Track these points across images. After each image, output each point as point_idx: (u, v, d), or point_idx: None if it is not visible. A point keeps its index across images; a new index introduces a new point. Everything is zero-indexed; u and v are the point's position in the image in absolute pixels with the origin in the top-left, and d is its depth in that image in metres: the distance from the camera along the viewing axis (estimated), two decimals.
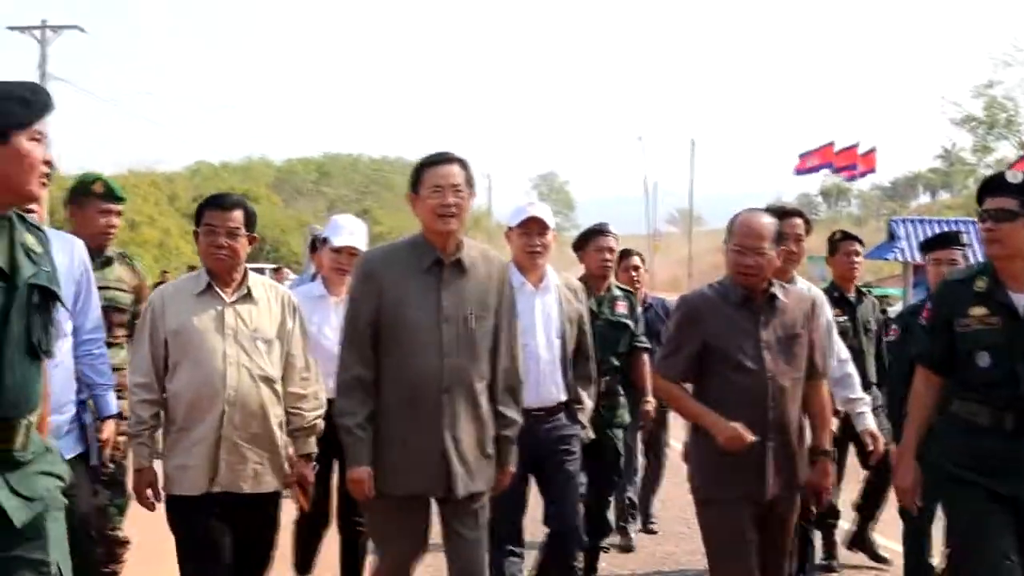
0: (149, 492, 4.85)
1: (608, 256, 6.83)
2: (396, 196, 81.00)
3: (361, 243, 5.99)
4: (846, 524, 7.72)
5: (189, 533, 4.81)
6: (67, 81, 43.71)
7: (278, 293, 5.05)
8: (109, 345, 5.29)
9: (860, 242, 7.64)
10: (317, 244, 6.79)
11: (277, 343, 4.90)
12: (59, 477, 3.31)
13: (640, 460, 8.50)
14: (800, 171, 59.57)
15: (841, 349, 6.19)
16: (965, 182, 62.00)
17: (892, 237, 30.76)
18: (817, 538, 7.07)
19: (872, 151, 55.91)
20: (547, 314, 5.65)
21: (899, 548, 7.11)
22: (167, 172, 64.12)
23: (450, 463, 4.51)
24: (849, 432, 6.54)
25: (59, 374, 4.32)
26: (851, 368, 6.21)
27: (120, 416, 5.00)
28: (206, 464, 4.71)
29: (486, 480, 4.69)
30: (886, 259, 31.58)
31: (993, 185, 4.57)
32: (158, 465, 4.88)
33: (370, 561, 6.20)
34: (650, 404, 7.26)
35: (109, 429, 4.99)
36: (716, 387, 4.77)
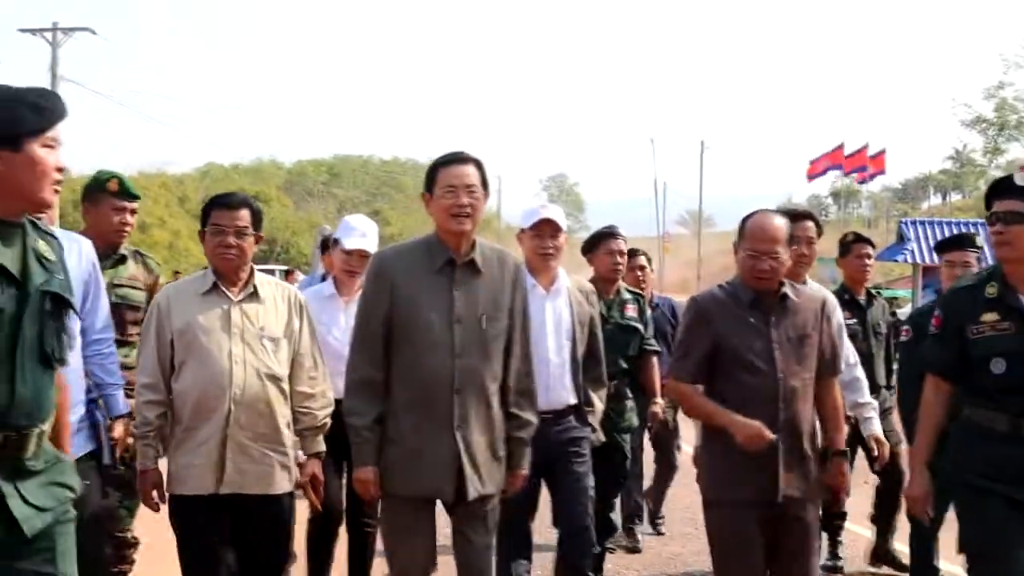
0: (154, 493, 4.85)
1: (618, 259, 6.83)
2: (407, 198, 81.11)
3: (372, 245, 5.96)
4: (852, 526, 7.73)
5: (191, 534, 4.81)
6: (78, 83, 43.89)
7: (285, 292, 5.04)
8: (123, 344, 5.31)
9: (872, 244, 7.61)
10: (328, 245, 6.78)
11: (284, 342, 4.89)
12: (70, 488, 3.30)
13: (649, 461, 8.50)
14: (812, 176, 59.59)
15: (850, 353, 6.17)
16: (976, 184, 61.95)
17: (902, 239, 30.70)
18: (823, 539, 7.06)
19: (882, 153, 55.89)
20: (558, 317, 5.62)
21: (905, 549, 7.12)
22: (177, 174, 64.35)
23: (461, 465, 4.49)
24: (857, 436, 6.53)
25: (68, 374, 4.32)
26: (859, 372, 6.20)
27: (131, 416, 5.00)
28: (213, 464, 4.71)
29: (496, 483, 4.67)
30: (896, 261, 31.52)
31: (1002, 187, 4.54)
32: (163, 466, 4.88)
33: (376, 564, 6.25)
34: (658, 406, 7.29)
35: (120, 429, 4.98)
36: (727, 388, 4.74)
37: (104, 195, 5.64)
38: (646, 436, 8.10)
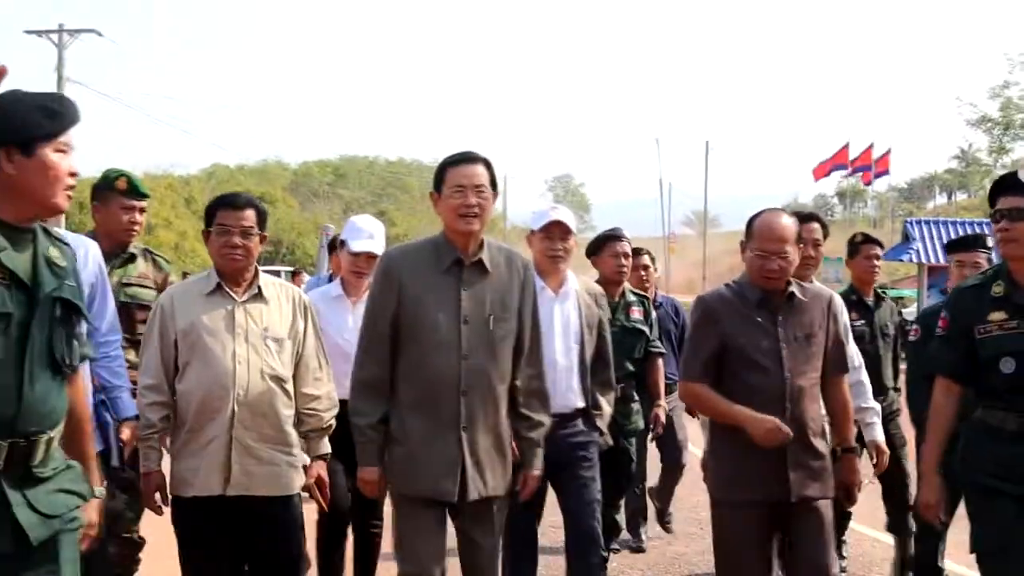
0: (157, 496, 4.82)
1: (624, 262, 6.83)
2: (412, 198, 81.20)
3: (379, 246, 5.91)
4: (856, 526, 7.74)
5: (194, 538, 4.80)
6: (84, 84, 43.95)
7: (289, 292, 5.02)
8: (133, 343, 5.29)
9: (880, 245, 7.58)
10: (336, 246, 6.76)
11: (288, 342, 4.87)
12: (79, 495, 3.28)
13: (652, 461, 8.50)
14: (819, 177, 59.65)
15: (855, 355, 6.17)
16: (981, 183, 61.80)
17: (907, 238, 30.72)
18: None
19: (887, 153, 55.86)
20: (566, 320, 5.59)
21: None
22: (183, 175, 64.45)
23: (464, 465, 4.47)
24: (861, 440, 6.53)
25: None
26: (863, 376, 6.18)
27: (138, 418, 4.95)
28: (218, 466, 4.69)
29: (502, 485, 4.64)
30: (901, 260, 31.53)
31: (1006, 184, 4.52)
32: (166, 467, 4.86)
33: (381, 567, 6.24)
34: (660, 409, 7.31)
35: (127, 432, 4.97)
36: (734, 387, 4.72)
37: (113, 194, 5.60)
38: (648, 436, 8.09)
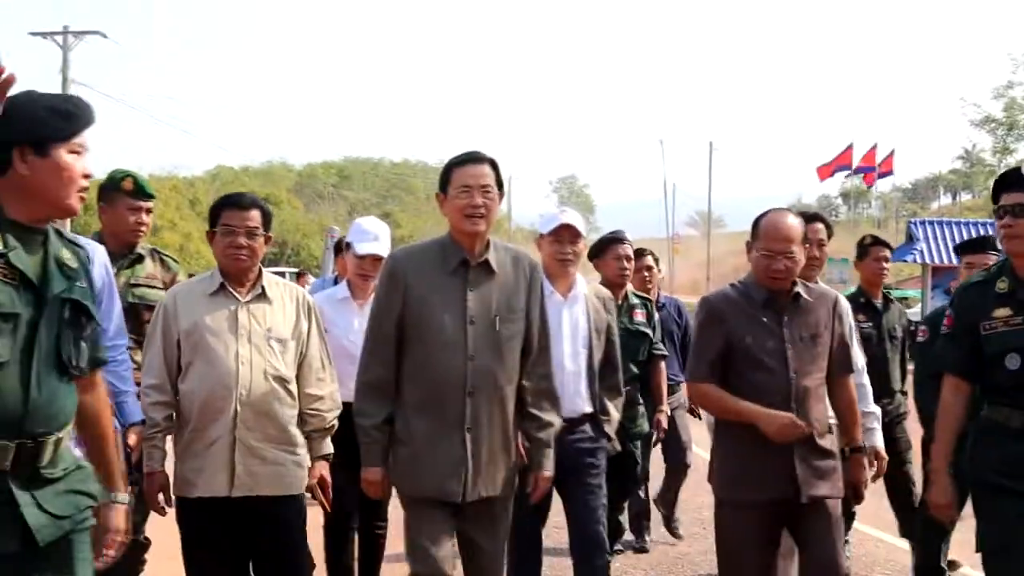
0: (160, 496, 4.80)
1: (626, 264, 6.81)
2: (417, 200, 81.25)
3: (385, 249, 5.88)
4: (860, 526, 7.74)
5: (198, 539, 4.80)
6: (88, 86, 44.00)
7: (293, 293, 5.00)
8: (141, 344, 5.29)
9: (889, 247, 7.56)
10: (342, 248, 6.75)
11: (292, 343, 4.86)
12: (90, 496, 3.26)
13: (656, 463, 8.50)
14: (824, 178, 59.61)
15: (858, 358, 6.17)
16: (985, 184, 61.64)
17: (911, 239, 30.73)
18: None
19: (891, 154, 55.76)
20: (574, 324, 5.56)
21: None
22: (188, 176, 64.51)
23: (466, 466, 4.45)
24: None
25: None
26: (864, 379, 6.15)
27: (144, 423, 4.91)
28: (223, 466, 4.69)
29: (506, 486, 4.62)
30: (905, 261, 31.52)
31: (1009, 180, 4.51)
32: (169, 467, 4.85)
33: (385, 569, 6.25)
34: (663, 415, 7.32)
35: (134, 437, 4.94)
36: (739, 387, 4.72)
37: (119, 195, 5.57)
38: (652, 440, 8.09)
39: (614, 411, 5.75)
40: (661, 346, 7.29)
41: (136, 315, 5.28)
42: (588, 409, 5.56)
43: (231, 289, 4.82)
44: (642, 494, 8.16)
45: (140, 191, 5.62)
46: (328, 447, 5.02)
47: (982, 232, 28.33)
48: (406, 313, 4.49)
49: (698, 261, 70.37)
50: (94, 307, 3.27)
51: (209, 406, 4.70)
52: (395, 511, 5.32)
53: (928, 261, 29.72)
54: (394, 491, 4.71)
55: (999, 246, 6.29)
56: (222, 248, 4.81)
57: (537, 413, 4.70)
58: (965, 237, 29.30)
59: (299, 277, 23.18)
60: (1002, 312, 4.40)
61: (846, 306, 5.11)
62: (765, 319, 4.74)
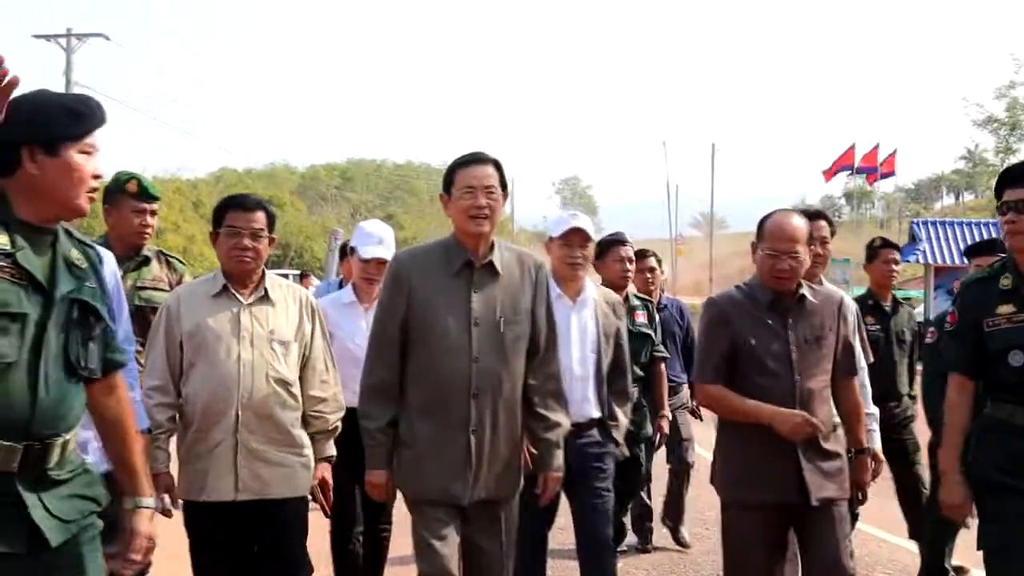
0: (166, 498, 4.75)
1: (628, 266, 6.80)
2: (420, 201, 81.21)
3: (389, 252, 5.83)
4: (863, 527, 7.75)
5: (206, 541, 4.80)
6: (92, 88, 43.96)
7: (296, 294, 4.99)
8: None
9: (899, 249, 7.56)
10: (347, 252, 6.73)
11: (294, 345, 4.85)
12: (95, 500, 3.23)
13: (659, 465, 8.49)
14: (829, 179, 59.64)
15: (859, 358, 6.17)
16: (988, 184, 61.58)
17: (913, 239, 30.72)
18: None
19: (892, 154, 55.77)
20: (583, 328, 5.55)
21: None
22: (191, 179, 64.41)
23: (470, 468, 4.44)
24: None
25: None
26: (865, 379, 6.18)
27: (150, 430, 4.83)
28: (227, 470, 4.68)
29: (510, 488, 4.61)
30: (908, 261, 31.50)
31: (1013, 176, 4.50)
32: (173, 469, 4.84)
33: (389, 571, 6.26)
34: (665, 420, 7.33)
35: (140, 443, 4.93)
36: (743, 389, 4.71)
37: (123, 197, 5.53)
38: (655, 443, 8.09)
39: (623, 416, 5.73)
40: (662, 348, 7.29)
41: (143, 318, 5.26)
42: (596, 414, 5.55)
43: (234, 291, 4.81)
44: (644, 495, 8.17)
45: (144, 193, 5.58)
46: (331, 449, 5.02)
47: (984, 232, 28.43)
48: (410, 316, 4.48)
49: (701, 262, 70.29)
50: (103, 308, 3.23)
51: (211, 409, 4.70)
52: (398, 513, 5.33)
53: (931, 261, 29.71)
54: (399, 493, 4.69)
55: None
56: (226, 250, 4.80)
57: (544, 413, 4.67)
58: (967, 237, 29.18)
59: (302, 279, 23.11)
60: (1005, 309, 4.38)
61: (852, 307, 5.10)
62: (770, 321, 4.73)
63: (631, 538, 8.15)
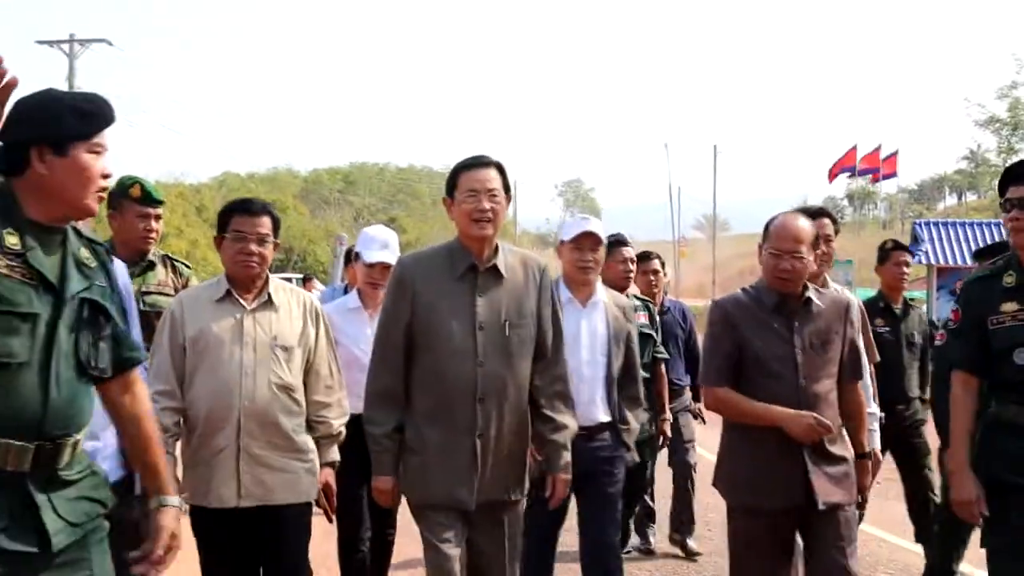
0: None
1: (629, 267, 6.82)
2: (423, 205, 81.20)
3: (393, 256, 5.84)
4: (865, 527, 7.75)
5: (212, 546, 4.80)
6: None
7: (300, 299, 4.96)
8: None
9: (910, 252, 7.55)
10: (352, 257, 6.76)
11: (298, 350, 4.82)
12: (101, 503, 3.23)
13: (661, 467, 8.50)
14: (833, 179, 59.69)
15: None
16: (991, 184, 61.55)
17: (916, 240, 30.67)
18: None
19: (894, 154, 55.78)
20: (593, 332, 5.53)
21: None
22: (194, 183, 64.44)
23: (475, 473, 4.44)
24: None
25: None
26: (867, 379, 6.20)
27: None
28: (230, 475, 4.67)
29: (515, 492, 4.60)
30: None
31: (1016, 173, 4.50)
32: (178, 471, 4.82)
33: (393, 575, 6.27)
34: (666, 423, 7.34)
35: None
36: (748, 393, 4.70)
37: (127, 201, 5.52)
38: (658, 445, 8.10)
39: (634, 421, 5.71)
40: (662, 349, 7.29)
41: (148, 323, 5.26)
42: (605, 418, 5.53)
43: (237, 296, 4.79)
44: (647, 497, 8.18)
45: (148, 197, 5.57)
46: (335, 454, 5.01)
47: (986, 231, 28.40)
48: (414, 320, 4.47)
49: (704, 264, 70.30)
50: (113, 307, 3.23)
51: (213, 414, 4.69)
52: (402, 518, 5.34)
53: (933, 262, 29.65)
54: (403, 498, 4.69)
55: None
56: (232, 254, 4.78)
57: (551, 415, 4.66)
58: (969, 238, 29.05)
59: (306, 282, 23.13)
60: (1009, 306, 4.37)
61: (858, 310, 5.09)
62: (775, 324, 4.72)
63: (634, 539, 8.17)
